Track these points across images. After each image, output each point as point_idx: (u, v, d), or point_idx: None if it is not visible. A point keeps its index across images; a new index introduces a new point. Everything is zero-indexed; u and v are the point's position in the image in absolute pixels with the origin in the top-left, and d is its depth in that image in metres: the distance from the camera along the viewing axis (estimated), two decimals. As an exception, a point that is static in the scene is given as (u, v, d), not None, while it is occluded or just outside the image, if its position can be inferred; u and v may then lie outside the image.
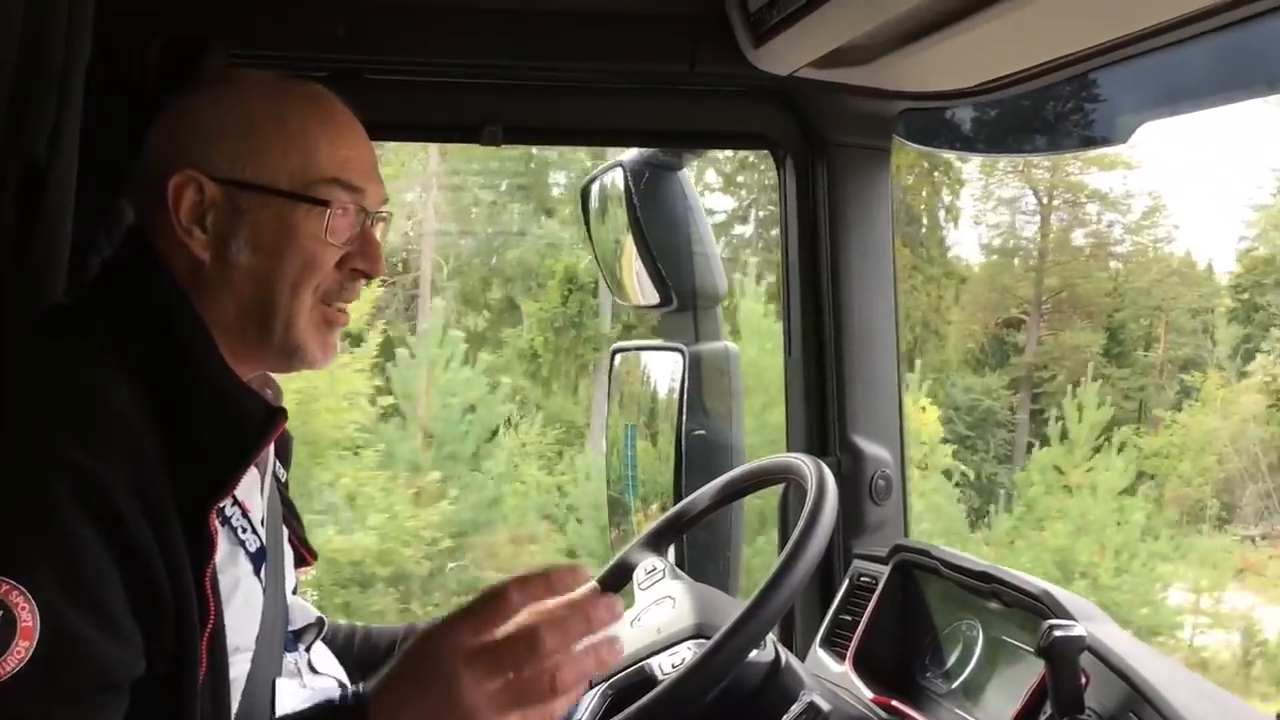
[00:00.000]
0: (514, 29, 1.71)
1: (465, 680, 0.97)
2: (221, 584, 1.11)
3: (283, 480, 1.36)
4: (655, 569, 1.50)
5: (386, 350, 10.60)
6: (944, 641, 1.55)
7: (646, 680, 1.26)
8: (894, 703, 1.49)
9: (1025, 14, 1.36)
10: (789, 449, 1.89)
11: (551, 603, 1.56)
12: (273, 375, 1.29)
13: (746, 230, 22.27)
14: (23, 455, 0.99)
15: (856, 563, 1.73)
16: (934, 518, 11.03)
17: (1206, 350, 22.88)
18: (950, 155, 19.42)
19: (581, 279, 18.59)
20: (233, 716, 1.14)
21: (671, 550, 1.63)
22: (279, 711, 1.22)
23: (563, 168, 20.37)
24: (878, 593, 1.63)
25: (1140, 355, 24.49)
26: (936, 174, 22.69)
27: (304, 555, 1.39)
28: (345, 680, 1.36)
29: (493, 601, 1.00)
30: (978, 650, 1.48)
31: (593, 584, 1.57)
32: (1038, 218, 25.04)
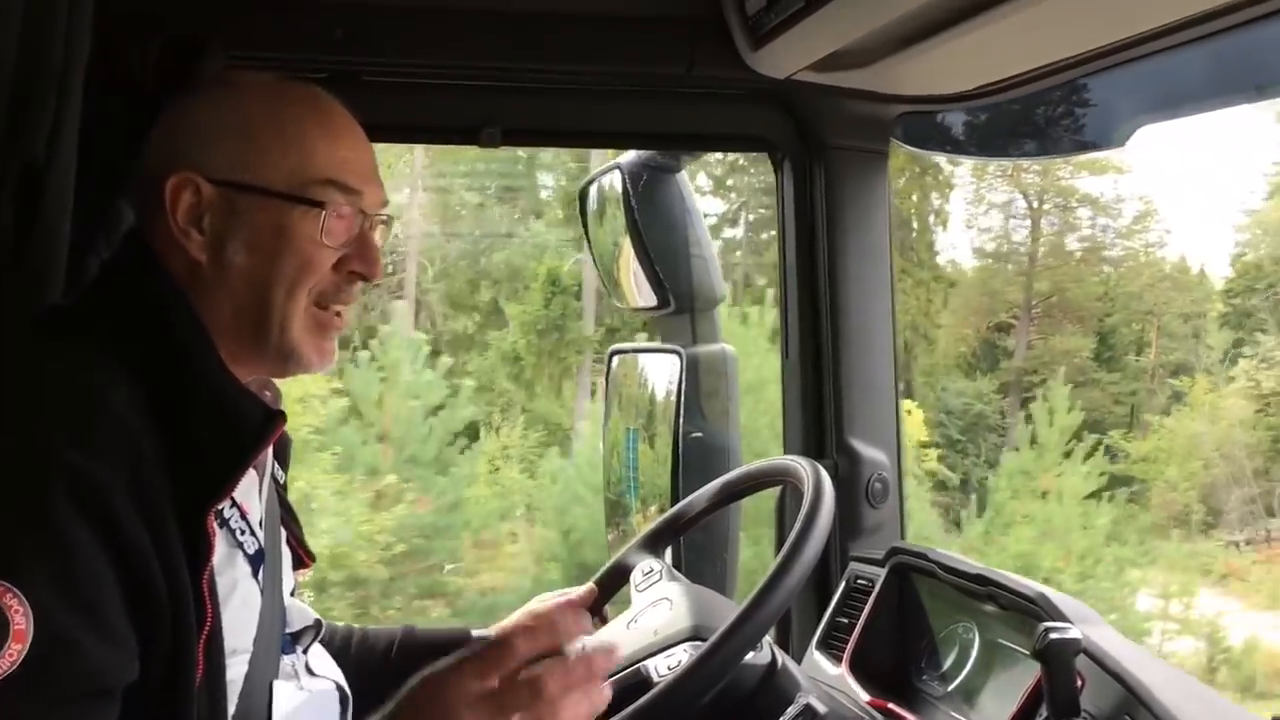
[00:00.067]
0: (512, 31, 1.71)
1: None
2: (219, 586, 1.11)
3: (281, 482, 1.36)
4: (652, 570, 1.50)
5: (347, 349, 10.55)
6: (940, 644, 1.55)
7: (643, 682, 1.26)
8: (890, 705, 1.49)
9: (1023, 18, 1.36)
10: (786, 451, 1.90)
11: (550, 601, 1.57)
12: (271, 379, 1.29)
13: (736, 233, 22.31)
14: (19, 456, 0.99)
15: (853, 565, 1.74)
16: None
17: (1198, 355, 22.90)
18: (948, 159, 19.46)
19: (564, 282, 18.60)
20: (229, 719, 1.14)
21: (669, 552, 1.63)
22: (275, 714, 1.22)
23: (551, 169, 20.40)
24: (874, 595, 1.63)
25: (1132, 360, 24.54)
26: (927, 178, 22.74)
27: (302, 557, 1.39)
28: (343, 682, 1.36)
29: (497, 649, 1.03)
30: (974, 653, 1.48)
31: (590, 586, 1.58)
32: (1028, 222, 25.11)
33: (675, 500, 1.80)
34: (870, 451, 1.85)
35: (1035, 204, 24.97)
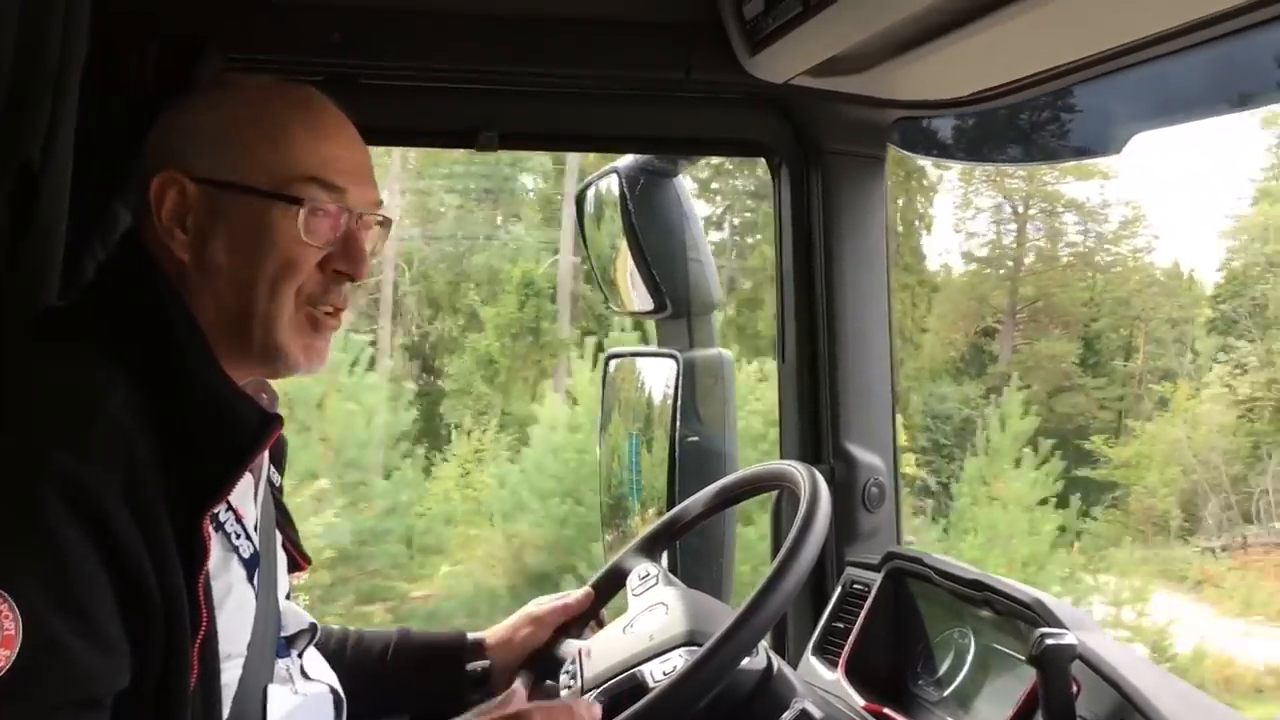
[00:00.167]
0: (510, 35, 1.71)
1: None
2: (214, 590, 1.11)
3: (277, 486, 1.35)
4: (649, 575, 1.50)
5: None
6: (936, 649, 1.55)
7: (638, 687, 1.25)
8: (886, 710, 1.49)
9: (1020, 24, 1.36)
10: (782, 456, 1.90)
11: (546, 604, 1.57)
12: (268, 382, 1.29)
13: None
14: (12, 458, 0.99)
15: (849, 570, 1.74)
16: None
17: (1180, 361, 22.94)
18: (936, 163, 19.49)
19: (539, 284, 18.60)
20: (224, 722, 1.13)
21: (665, 556, 1.63)
22: (270, 718, 1.21)
23: (531, 171, 20.41)
24: (870, 600, 1.63)
25: (1119, 365, 24.58)
26: (912, 182, 22.80)
27: (298, 560, 1.39)
28: (337, 686, 1.35)
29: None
30: (969, 658, 1.48)
31: (587, 589, 1.57)
32: (1014, 227, 25.17)
33: (672, 504, 1.80)
34: (866, 456, 1.85)
35: (1020, 209, 25.05)
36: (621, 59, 1.75)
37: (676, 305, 2.02)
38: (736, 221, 22.87)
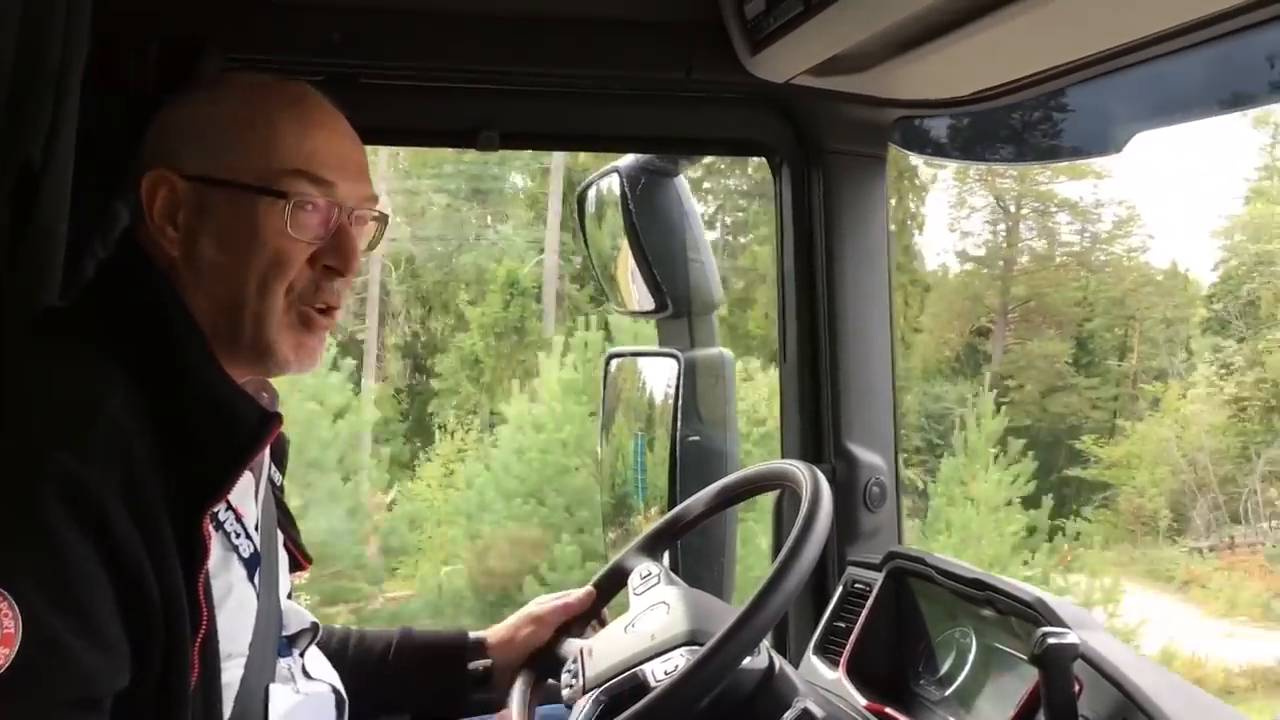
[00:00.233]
0: (511, 34, 1.71)
1: None
2: (214, 589, 1.11)
3: (278, 485, 1.35)
4: (650, 574, 1.50)
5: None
6: (937, 649, 1.55)
7: (639, 687, 1.25)
8: (887, 710, 1.49)
9: (1021, 23, 1.36)
10: (783, 455, 1.90)
11: (547, 603, 1.57)
12: (268, 380, 1.29)
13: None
14: (12, 458, 0.99)
15: (850, 570, 1.73)
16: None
17: (1180, 360, 22.93)
18: (927, 161, 19.49)
19: (524, 284, 18.60)
20: (225, 722, 1.13)
21: (666, 555, 1.63)
22: (272, 717, 1.21)
23: (519, 170, 20.41)
24: (871, 600, 1.63)
25: (1114, 365, 24.56)
26: (904, 181, 22.80)
27: (299, 560, 1.39)
28: (339, 685, 1.35)
29: None
30: (971, 658, 1.48)
31: (588, 589, 1.57)
32: (1009, 226, 25.16)
33: (673, 504, 1.80)
34: (868, 456, 1.85)
35: (1011, 208, 25.05)
36: (622, 58, 1.75)
37: (677, 305, 2.02)
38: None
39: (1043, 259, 25.41)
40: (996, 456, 11.82)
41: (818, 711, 1.24)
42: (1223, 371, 21.17)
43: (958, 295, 25.04)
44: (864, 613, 1.63)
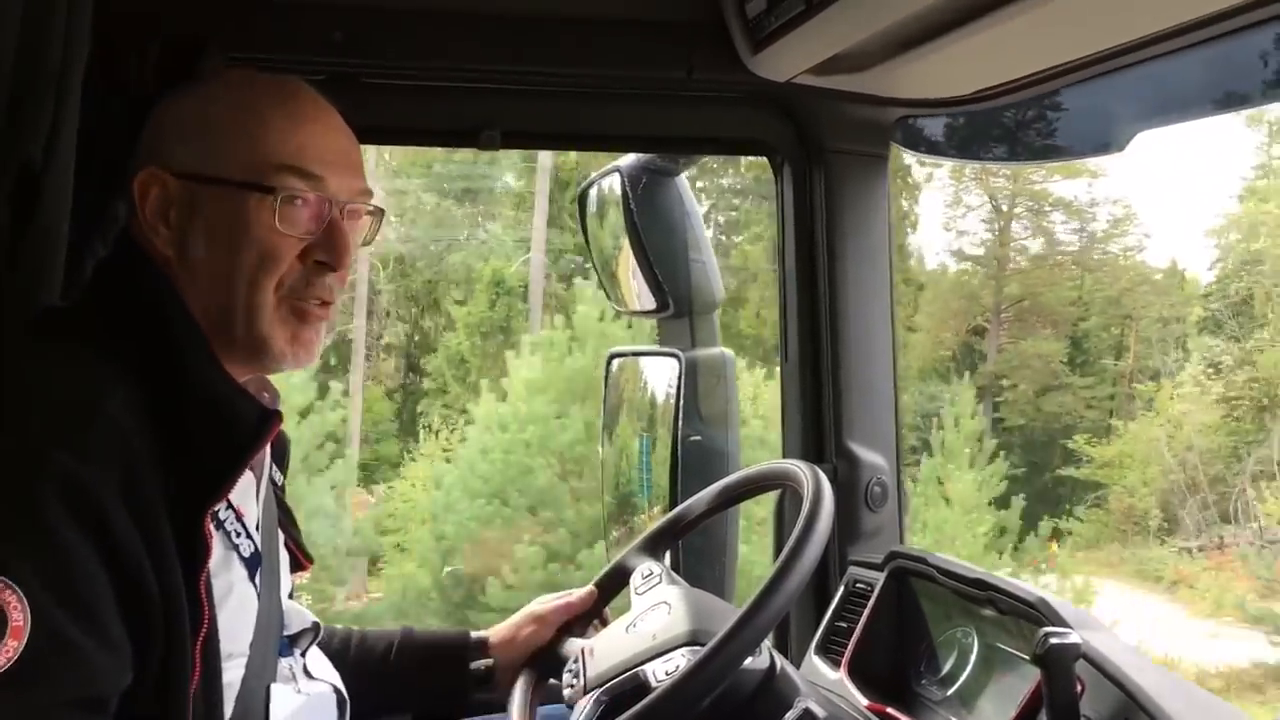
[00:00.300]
0: (512, 34, 1.70)
1: None
2: (215, 589, 1.11)
3: (279, 485, 1.35)
4: (652, 574, 1.50)
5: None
6: (939, 649, 1.55)
7: (641, 687, 1.25)
8: (889, 710, 1.48)
9: (1023, 22, 1.36)
10: (785, 455, 1.89)
11: (549, 603, 1.57)
12: (269, 379, 1.29)
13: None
14: (13, 458, 0.99)
15: (852, 569, 1.73)
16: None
17: (1176, 360, 22.90)
18: (935, 161, 19.46)
19: (509, 283, 18.59)
20: (226, 722, 1.13)
21: (667, 555, 1.62)
22: (273, 717, 1.21)
23: (506, 169, 20.42)
24: (873, 600, 1.63)
25: (1110, 364, 24.55)
26: (898, 180, 22.82)
27: (300, 560, 1.39)
28: (340, 685, 1.35)
29: None
30: (973, 658, 1.48)
31: (590, 588, 1.57)
32: (1001, 225, 25.16)
33: (674, 503, 1.79)
34: (869, 455, 1.85)
35: (1004, 207, 25.05)
36: (623, 58, 1.75)
37: (679, 304, 2.02)
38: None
39: (1036, 258, 25.41)
40: (974, 458, 11.81)
41: (819, 712, 1.24)
42: (1210, 371, 21.16)
43: (953, 294, 25.05)
44: (866, 613, 1.63)
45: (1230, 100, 1.57)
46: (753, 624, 1.19)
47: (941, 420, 12.54)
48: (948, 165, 22.76)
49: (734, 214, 22.73)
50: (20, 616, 0.94)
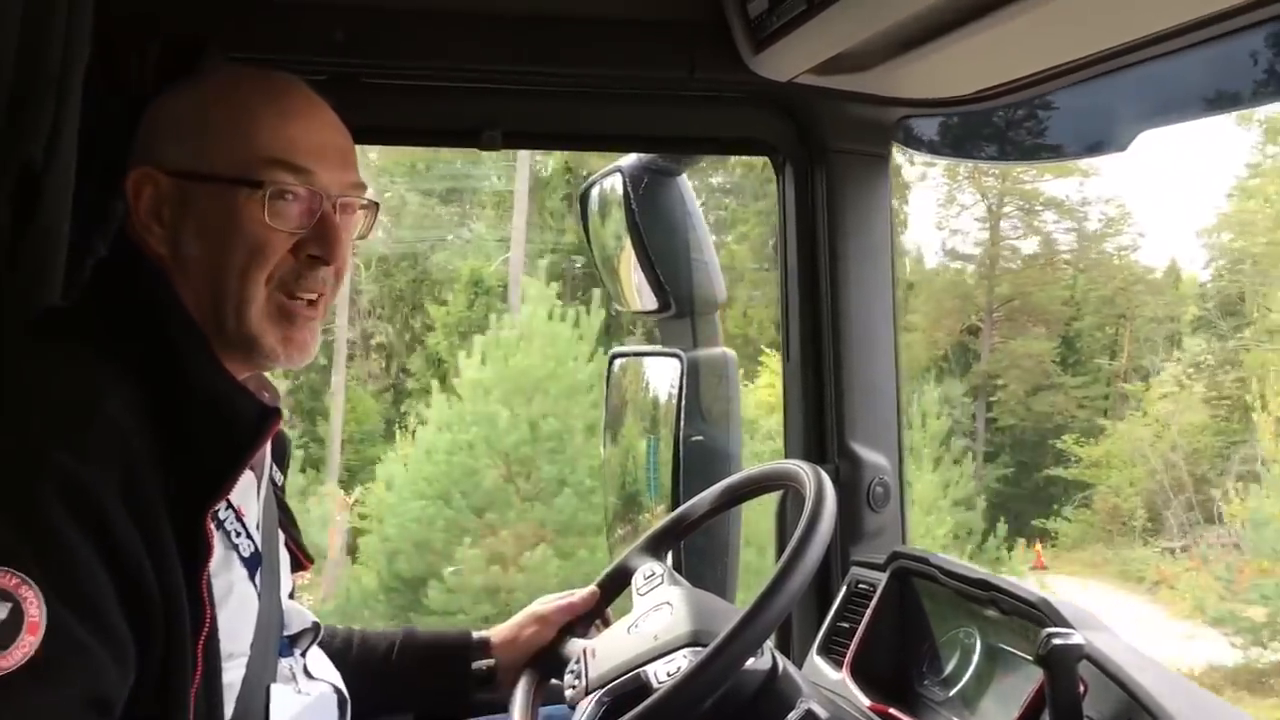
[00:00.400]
0: (513, 34, 1.70)
1: None
2: (215, 588, 1.11)
3: (279, 485, 1.35)
4: (654, 574, 1.50)
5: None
6: (942, 649, 1.54)
7: (642, 688, 1.25)
8: (892, 710, 1.48)
9: (1025, 22, 1.36)
10: (787, 455, 1.89)
11: (551, 603, 1.57)
12: (268, 378, 1.29)
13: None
14: (14, 458, 0.99)
15: (854, 570, 1.73)
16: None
17: (1160, 359, 22.87)
18: (930, 161, 19.46)
19: (488, 283, 18.57)
20: (227, 722, 1.13)
21: (669, 555, 1.62)
22: (273, 717, 1.21)
23: (492, 168, 20.45)
24: (875, 600, 1.63)
25: (1105, 364, 24.52)
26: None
27: (301, 560, 1.39)
28: (341, 685, 1.35)
29: None
30: (975, 658, 1.48)
31: (592, 588, 1.57)
32: (992, 224, 25.14)
33: (676, 504, 1.79)
34: (872, 455, 1.85)
35: (995, 206, 25.04)
36: (625, 58, 1.74)
37: (680, 304, 2.02)
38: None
39: (1027, 257, 25.41)
40: (940, 458, 11.80)
41: (822, 712, 1.23)
42: (1191, 370, 21.14)
43: (946, 294, 25.03)
44: (868, 613, 1.62)
45: (1232, 99, 1.57)
46: (755, 625, 1.18)
47: (910, 420, 12.59)
48: (941, 164, 22.79)
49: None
50: (37, 612, 0.94)
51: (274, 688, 1.23)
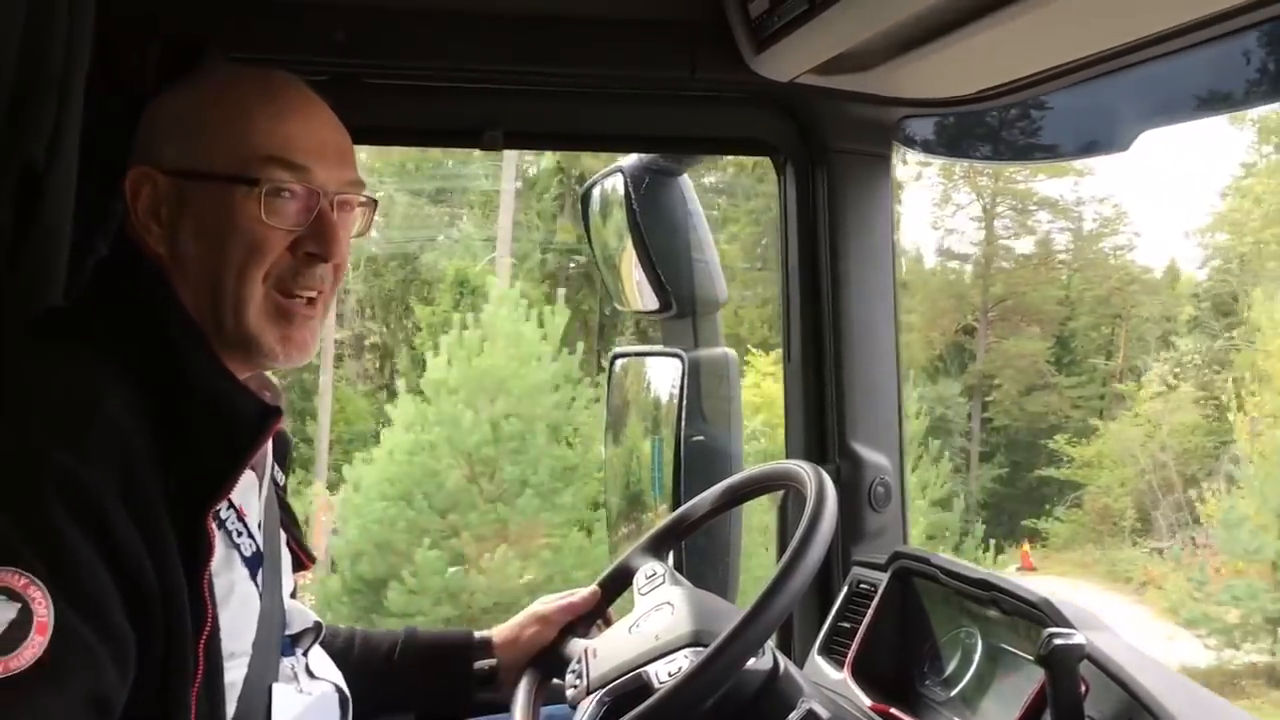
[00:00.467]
0: (515, 34, 1.70)
1: None
2: (216, 588, 1.11)
3: (281, 484, 1.35)
4: (655, 574, 1.50)
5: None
6: (943, 649, 1.54)
7: (643, 688, 1.25)
8: (893, 710, 1.48)
9: (1026, 22, 1.36)
10: (788, 455, 1.89)
11: (552, 603, 1.57)
12: (270, 377, 1.29)
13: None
14: (14, 458, 0.99)
15: (855, 570, 1.73)
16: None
17: (1149, 359, 22.84)
18: (927, 160, 19.44)
19: (474, 282, 18.55)
20: (228, 722, 1.13)
21: (671, 555, 1.62)
22: (275, 717, 1.21)
23: (480, 165, 20.44)
24: (876, 600, 1.63)
25: (1101, 364, 24.48)
26: None
27: (302, 560, 1.39)
28: (343, 685, 1.35)
29: None
30: (977, 658, 1.48)
31: (593, 588, 1.57)
32: (986, 224, 25.13)
33: (677, 504, 1.79)
34: (873, 455, 1.85)
35: (988, 206, 25.02)
36: (626, 58, 1.74)
37: (681, 304, 2.02)
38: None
39: (1021, 257, 25.39)
40: (918, 459, 11.81)
41: (823, 712, 1.23)
42: (1177, 370, 21.12)
43: (942, 294, 25.01)
44: (869, 613, 1.62)
45: (1234, 99, 1.57)
46: (756, 625, 1.18)
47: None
48: (937, 163, 22.76)
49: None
50: (45, 612, 0.94)
51: (276, 687, 1.23)
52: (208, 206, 1.14)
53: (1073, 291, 24.98)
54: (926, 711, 1.50)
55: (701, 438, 1.92)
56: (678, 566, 1.66)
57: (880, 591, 1.63)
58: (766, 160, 1.94)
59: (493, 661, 1.54)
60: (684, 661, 1.26)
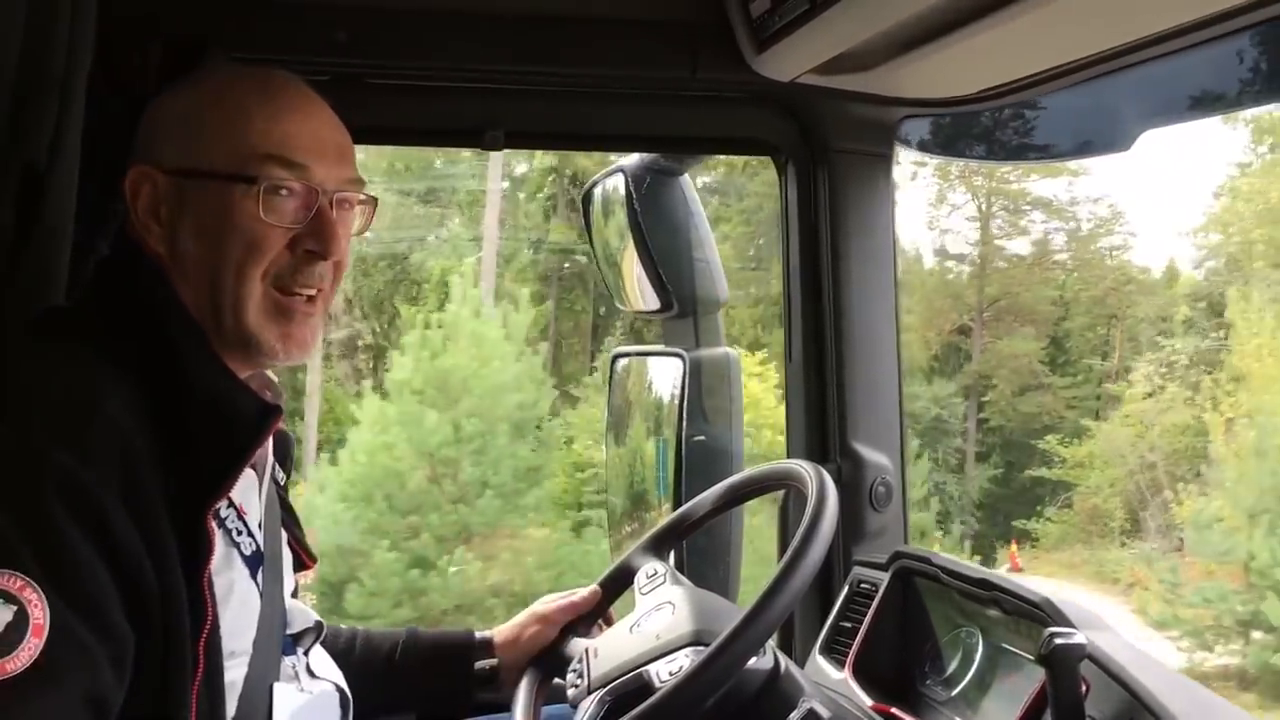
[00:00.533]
0: (516, 34, 1.70)
1: None
2: (216, 586, 1.11)
3: (282, 484, 1.35)
4: (656, 573, 1.50)
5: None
6: (944, 649, 1.54)
7: (644, 687, 1.25)
8: (894, 710, 1.48)
9: (1027, 22, 1.36)
10: (789, 455, 1.89)
11: (553, 602, 1.57)
12: (271, 376, 1.29)
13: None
14: (12, 460, 0.99)
15: (856, 569, 1.73)
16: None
17: (1145, 360, 22.77)
18: (926, 160, 19.41)
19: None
20: (229, 721, 1.13)
21: (671, 555, 1.62)
22: (276, 716, 1.21)
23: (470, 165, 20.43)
24: (877, 600, 1.63)
25: (1097, 364, 24.42)
26: None
27: (303, 559, 1.39)
28: (344, 684, 1.35)
29: None
30: (978, 658, 1.48)
31: (594, 587, 1.57)
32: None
33: (678, 503, 1.79)
34: (874, 455, 1.85)
35: (982, 206, 25.00)
36: (627, 58, 1.75)
37: (683, 304, 2.02)
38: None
39: (1015, 257, 25.37)
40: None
41: (824, 712, 1.23)
42: (1164, 370, 21.09)
43: (937, 294, 24.98)
44: (870, 613, 1.62)
45: (1235, 99, 1.57)
46: (757, 624, 1.18)
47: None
48: (933, 163, 22.74)
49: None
50: (41, 614, 0.94)
51: (277, 686, 1.23)
52: (207, 205, 1.14)
53: (1068, 292, 24.95)
54: (927, 711, 1.50)
55: (702, 437, 1.92)
56: (679, 566, 1.66)
57: (881, 591, 1.63)
58: (758, 160, 1.94)
59: (494, 661, 1.54)
60: (685, 661, 1.26)
